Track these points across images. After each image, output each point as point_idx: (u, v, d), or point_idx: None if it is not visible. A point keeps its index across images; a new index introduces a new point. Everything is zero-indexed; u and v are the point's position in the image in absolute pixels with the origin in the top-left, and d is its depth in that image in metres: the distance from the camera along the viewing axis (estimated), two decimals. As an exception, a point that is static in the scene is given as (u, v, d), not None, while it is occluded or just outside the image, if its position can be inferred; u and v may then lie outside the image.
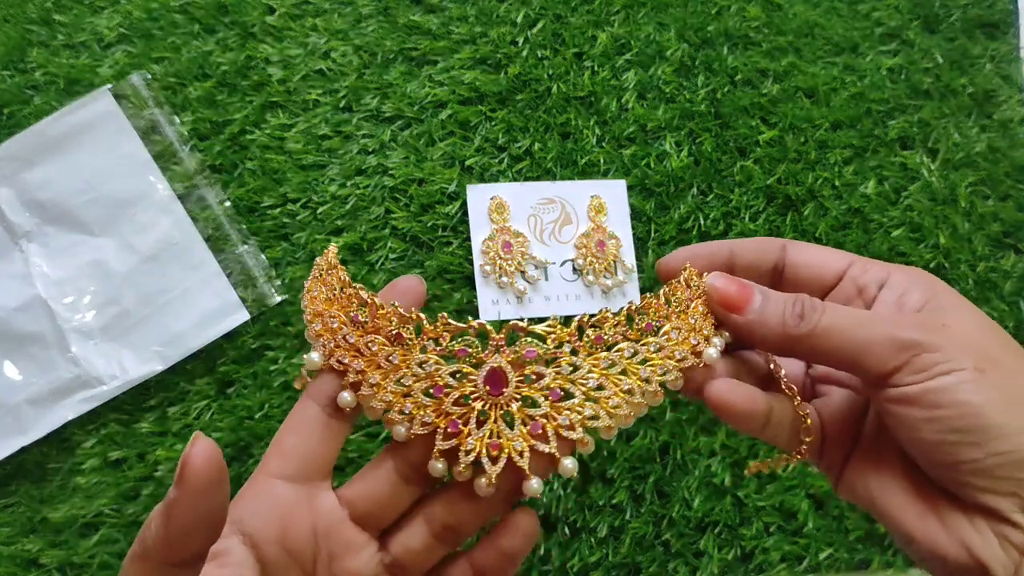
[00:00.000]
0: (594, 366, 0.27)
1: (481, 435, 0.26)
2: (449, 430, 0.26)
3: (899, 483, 0.28)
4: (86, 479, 0.48)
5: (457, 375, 0.26)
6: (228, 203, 0.51)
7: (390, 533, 0.30)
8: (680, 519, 0.50)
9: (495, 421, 0.26)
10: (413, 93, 0.53)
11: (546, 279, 0.52)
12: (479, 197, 0.52)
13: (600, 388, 0.27)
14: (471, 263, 0.51)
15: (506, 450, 0.26)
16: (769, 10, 0.58)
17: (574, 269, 0.52)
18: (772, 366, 0.31)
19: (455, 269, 0.51)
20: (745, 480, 0.50)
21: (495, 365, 0.26)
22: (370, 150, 0.53)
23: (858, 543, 0.50)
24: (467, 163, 0.53)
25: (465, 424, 0.26)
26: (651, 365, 0.27)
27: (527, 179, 0.53)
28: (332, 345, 0.28)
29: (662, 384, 0.27)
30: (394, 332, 0.27)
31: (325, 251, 0.31)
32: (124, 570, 0.25)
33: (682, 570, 0.49)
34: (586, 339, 0.26)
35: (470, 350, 0.26)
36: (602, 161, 0.54)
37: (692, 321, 0.28)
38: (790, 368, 0.33)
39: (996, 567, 0.25)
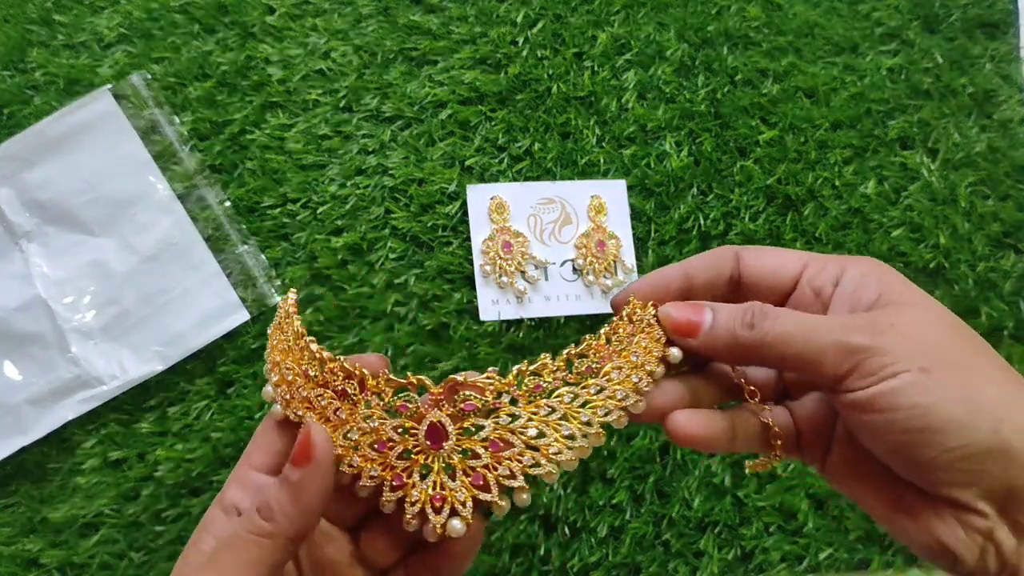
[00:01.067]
0: (533, 414, 0.27)
1: (425, 487, 0.27)
2: (394, 483, 0.27)
3: (869, 478, 0.29)
4: (86, 479, 0.48)
5: (400, 430, 0.27)
6: (228, 203, 0.51)
7: (359, 529, 0.31)
8: (680, 519, 0.50)
9: (438, 473, 0.27)
10: (413, 93, 0.53)
11: (546, 279, 0.51)
12: (479, 197, 0.52)
13: (541, 435, 0.27)
14: (471, 263, 0.51)
15: (449, 500, 0.27)
16: (769, 10, 0.58)
17: (574, 269, 0.52)
18: (733, 371, 0.31)
19: (455, 269, 0.51)
20: (745, 480, 0.50)
21: (434, 420, 0.27)
22: (370, 150, 0.53)
23: (858, 543, 0.50)
24: (467, 163, 0.53)
25: (409, 476, 0.27)
26: (591, 407, 0.27)
27: (527, 179, 0.53)
28: (288, 396, 0.29)
29: (605, 425, 0.28)
30: (340, 387, 0.28)
31: (284, 297, 0.31)
32: (240, 547, 0.26)
33: (682, 570, 0.49)
34: (524, 388, 0.27)
35: (410, 405, 0.27)
36: (602, 161, 0.54)
37: (635, 358, 0.28)
38: (761, 372, 0.33)
39: (964, 553, 0.26)
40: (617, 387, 0.28)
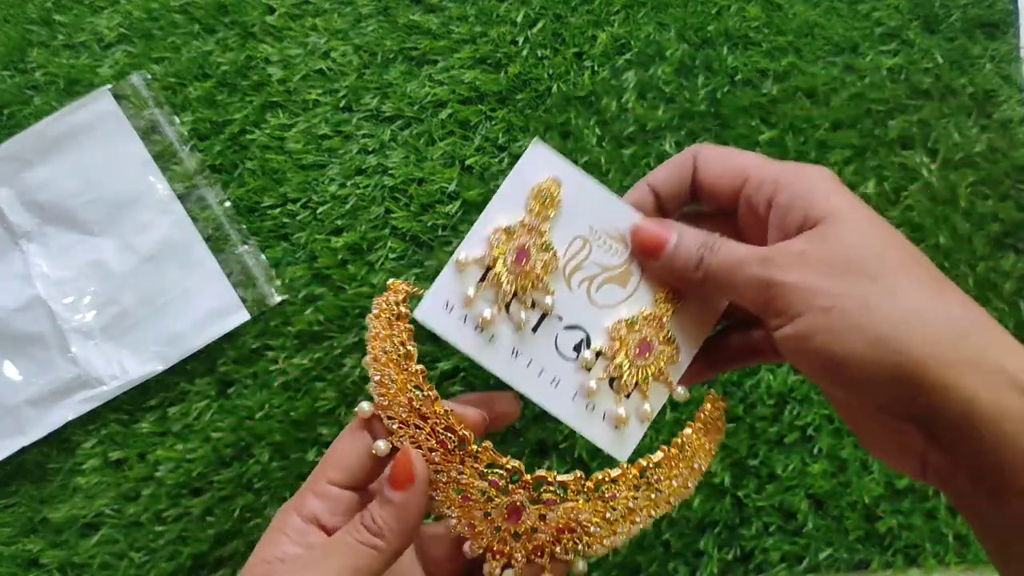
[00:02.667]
0: (597, 511, 0.30)
1: (492, 538, 0.31)
2: (468, 525, 0.31)
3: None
4: (86, 479, 0.48)
5: (485, 495, 0.30)
6: (228, 203, 0.51)
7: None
8: (680, 519, 0.50)
9: (504, 531, 0.31)
10: (413, 93, 0.53)
11: (534, 330, 0.33)
12: (535, 165, 0.33)
13: (598, 527, 0.31)
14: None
15: (508, 554, 0.31)
16: (769, 10, 0.58)
17: (578, 347, 0.33)
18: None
19: (455, 269, 0.51)
20: (745, 480, 0.50)
21: (517, 501, 0.30)
22: (370, 150, 0.53)
23: (858, 543, 0.50)
24: (467, 163, 0.53)
25: (481, 523, 0.31)
26: (647, 510, 0.31)
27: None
28: (387, 403, 0.31)
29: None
30: (441, 437, 0.30)
31: (393, 284, 0.33)
32: (349, 554, 0.28)
33: (682, 570, 0.49)
34: (599, 493, 0.30)
35: (500, 483, 0.30)
36: (602, 161, 0.54)
37: (696, 465, 0.32)
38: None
39: (906, 467, 0.28)
40: (673, 492, 0.31)
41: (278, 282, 0.51)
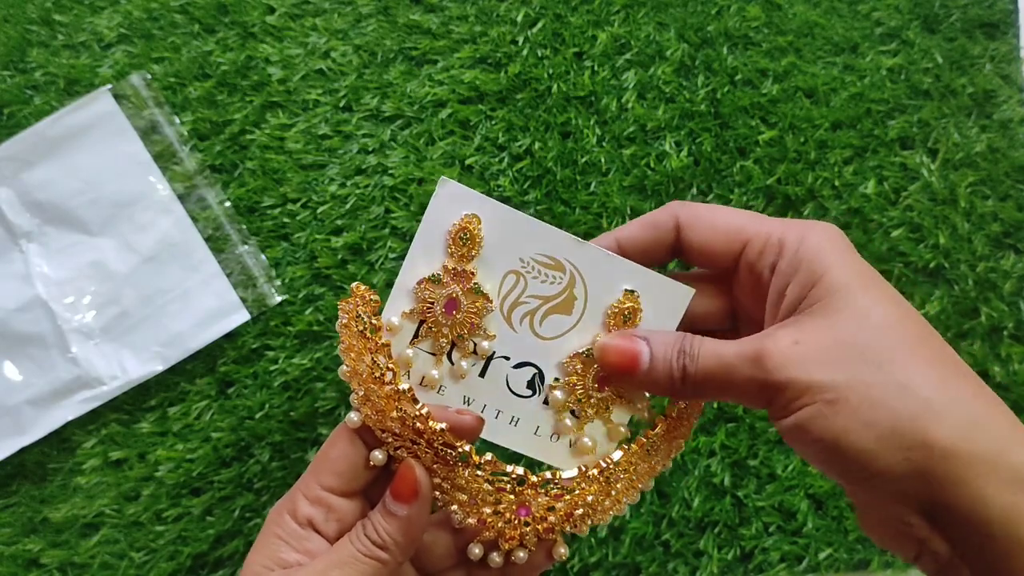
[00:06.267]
0: (598, 492, 0.31)
1: (501, 527, 0.31)
2: (477, 523, 0.31)
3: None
4: (87, 479, 0.48)
5: (492, 496, 0.31)
6: (228, 203, 0.51)
7: None
8: (680, 519, 0.50)
9: (513, 519, 0.31)
10: (413, 92, 0.53)
11: (482, 375, 0.32)
12: (447, 205, 0.31)
13: (598, 502, 0.32)
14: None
15: (518, 538, 0.32)
16: (769, 10, 0.58)
17: (532, 383, 0.32)
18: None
19: (455, 269, 0.51)
20: (745, 480, 0.50)
21: (527, 501, 0.31)
22: (370, 150, 0.53)
23: (858, 543, 0.50)
24: (467, 162, 0.53)
25: (491, 517, 0.31)
26: (641, 479, 0.32)
27: (527, 180, 0.53)
28: (376, 417, 0.30)
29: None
30: (442, 452, 0.30)
31: (355, 290, 0.30)
32: (356, 568, 0.29)
33: (682, 570, 0.49)
34: (600, 479, 0.31)
35: (507, 488, 0.31)
36: (602, 161, 0.54)
37: (682, 441, 0.33)
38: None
39: (899, 551, 0.27)
40: (674, 449, 0.32)
41: (278, 282, 0.51)
